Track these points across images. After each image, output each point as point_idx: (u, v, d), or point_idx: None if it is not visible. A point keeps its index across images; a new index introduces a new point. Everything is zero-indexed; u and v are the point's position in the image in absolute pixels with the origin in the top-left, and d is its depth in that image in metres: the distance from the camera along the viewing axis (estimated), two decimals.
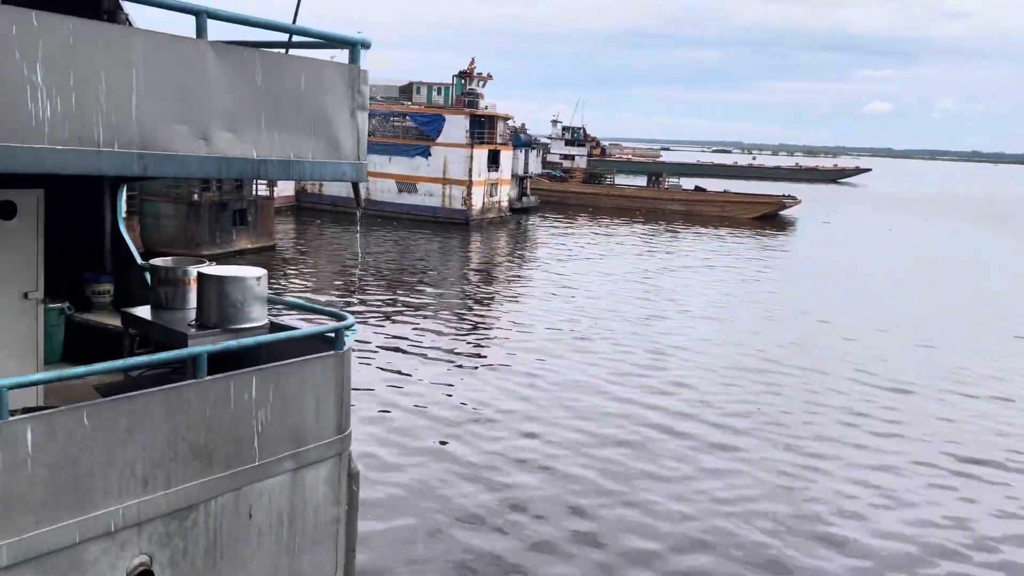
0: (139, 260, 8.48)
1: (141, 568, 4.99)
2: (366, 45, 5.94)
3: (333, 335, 6.21)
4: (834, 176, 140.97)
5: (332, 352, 6.11)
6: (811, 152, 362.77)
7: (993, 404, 17.97)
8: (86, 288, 8.50)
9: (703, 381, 18.44)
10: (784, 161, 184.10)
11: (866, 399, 17.70)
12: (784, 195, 65.22)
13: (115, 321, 7.64)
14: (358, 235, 40.64)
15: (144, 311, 7.04)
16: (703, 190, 67.49)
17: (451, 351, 20.09)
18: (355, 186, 6.25)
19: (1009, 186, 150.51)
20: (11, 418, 4.25)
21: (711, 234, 50.20)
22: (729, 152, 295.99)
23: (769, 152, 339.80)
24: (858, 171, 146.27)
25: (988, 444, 15.41)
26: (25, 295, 7.01)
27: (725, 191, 68.21)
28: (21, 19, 3.96)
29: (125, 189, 9.52)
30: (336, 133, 5.75)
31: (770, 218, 60.82)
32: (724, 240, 47.56)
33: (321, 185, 49.18)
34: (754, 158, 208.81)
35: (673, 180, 69.58)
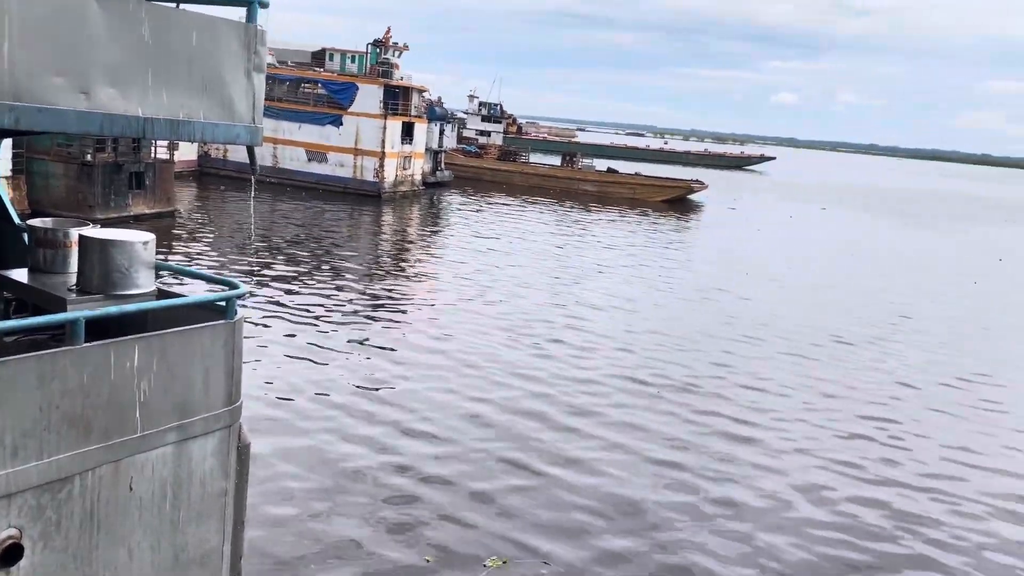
0: (17, 220, 8.00)
1: (10, 542, 4.75)
2: (264, 4, 5.73)
3: (224, 303, 6.02)
4: (740, 163, 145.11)
5: (223, 321, 5.93)
6: (720, 139, 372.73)
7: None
8: None
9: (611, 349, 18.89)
10: (694, 146, 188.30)
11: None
12: (692, 180, 66.83)
13: None
14: (252, 202, 39.50)
15: (21, 274, 6.66)
16: (616, 172, 68.44)
17: (353, 324, 19.87)
18: (250, 150, 6.05)
19: (895, 177, 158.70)
20: None
21: (621, 215, 51.08)
22: (642, 135, 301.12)
23: (681, 137, 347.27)
24: (763, 159, 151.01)
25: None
26: None
27: (636, 173, 69.38)
28: None
29: (5, 146, 8.98)
30: (230, 94, 5.54)
31: (679, 201, 62.28)
32: (632, 222, 48.48)
33: (226, 150, 47.55)
34: (666, 142, 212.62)
35: (587, 161, 70.25)
